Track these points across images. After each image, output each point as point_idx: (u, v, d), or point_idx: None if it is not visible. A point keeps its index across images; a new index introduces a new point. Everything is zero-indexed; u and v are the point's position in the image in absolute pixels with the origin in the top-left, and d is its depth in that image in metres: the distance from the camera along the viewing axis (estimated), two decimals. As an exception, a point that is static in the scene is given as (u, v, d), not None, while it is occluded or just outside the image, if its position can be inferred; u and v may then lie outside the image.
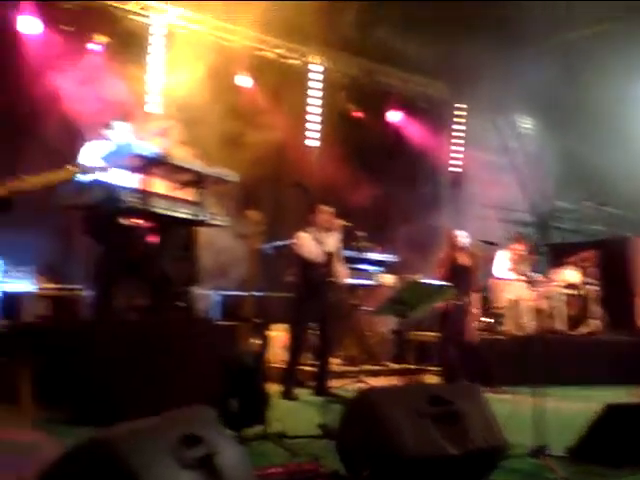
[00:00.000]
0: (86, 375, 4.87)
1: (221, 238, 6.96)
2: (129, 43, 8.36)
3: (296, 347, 6.46)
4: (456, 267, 7.11)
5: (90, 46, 8.25)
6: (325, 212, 6.45)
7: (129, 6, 8.65)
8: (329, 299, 6.38)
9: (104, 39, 8.28)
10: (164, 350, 5.19)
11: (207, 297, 8.47)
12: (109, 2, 8.45)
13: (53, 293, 6.99)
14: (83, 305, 7.16)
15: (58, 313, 6.76)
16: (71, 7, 8.13)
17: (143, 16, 8.81)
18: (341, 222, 6.54)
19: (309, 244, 6.38)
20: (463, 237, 7.30)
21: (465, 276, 7.12)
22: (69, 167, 3.94)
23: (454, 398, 3.38)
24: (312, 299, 6.30)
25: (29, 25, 7.81)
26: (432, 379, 7.37)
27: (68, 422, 4.69)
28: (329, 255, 6.31)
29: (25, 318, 6.44)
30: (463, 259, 7.22)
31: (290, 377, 6.38)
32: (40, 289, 6.94)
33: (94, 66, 8.14)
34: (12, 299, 6.55)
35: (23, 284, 6.87)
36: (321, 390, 6.34)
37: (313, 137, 10.67)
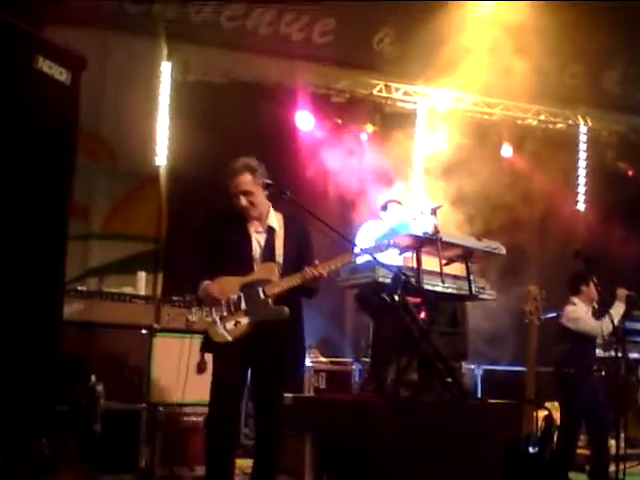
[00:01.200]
0: (361, 451, 4.98)
1: (490, 312, 6.88)
2: (394, 128, 8.77)
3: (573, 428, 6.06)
4: None
5: (359, 135, 8.85)
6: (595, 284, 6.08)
7: (394, 94, 9.13)
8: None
9: (371, 127, 8.85)
10: (441, 429, 5.18)
11: (475, 372, 8.38)
12: (376, 92, 9.02)
13: (327, 367, 7.34)
14: (353, 378, 7.49)
15: (331, 386, 7.06)
16: (340, 101, 8.84)
17: (407, 102, 9.23)
18: (624, 291, 6.09)
19: (585, 317, 6.03)
20: None
21: None
22: (351, 252, 4.15)
23: None
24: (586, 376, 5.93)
25: (305, 120, 8.58)
26: None
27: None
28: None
29: (306, 392, 6.83)
30: None
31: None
32: (315, 362, 7.34)
33: (364, 153, 8.69)
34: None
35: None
36: (599, 474, 5.86)
37: (580, 200, 10.26)
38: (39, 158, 3.46)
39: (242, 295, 3.63)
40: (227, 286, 3.64)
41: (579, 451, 6.40)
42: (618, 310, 5.93)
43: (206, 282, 3.65)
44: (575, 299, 6.12)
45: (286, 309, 3.64)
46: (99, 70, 7.91)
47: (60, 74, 3.44)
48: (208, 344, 3.75)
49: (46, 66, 3.36)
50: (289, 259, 3.75)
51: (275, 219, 3.83)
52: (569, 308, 6.11)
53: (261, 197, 3.78)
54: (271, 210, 3.85)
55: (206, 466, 3.73)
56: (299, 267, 3.70)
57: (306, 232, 3.91)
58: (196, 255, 3.91)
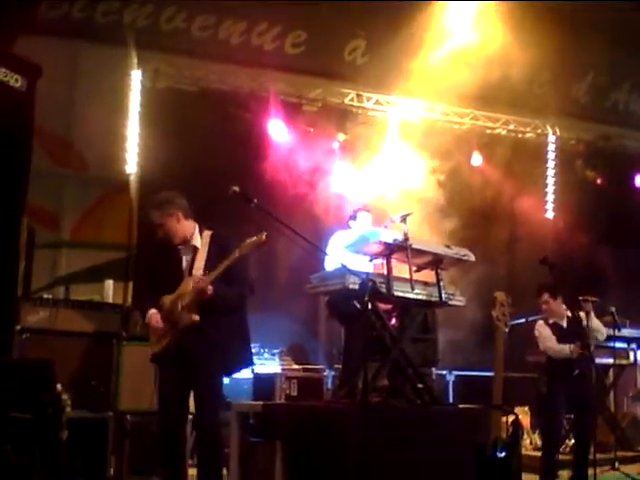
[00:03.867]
0: (332, 458, 4.97)
1: (459, 318, 6.93)
2: (365, 137, 8.83)
3: (551, 435, 6.13)
4: None
5: (330, 143, 8.88)
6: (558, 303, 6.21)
7: (365, 103, 9.20)
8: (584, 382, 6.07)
9: (343, 136, 8.88)
10: (411, 435, 5.20)
11: (447, 378, 8.44)
12: (347, 102, 9.08)
13: (299, 374, 7.33)
14: (325, 385, 7.49)
15: (303, 393, 7.05)
16: (312, 109, 8.90)
17: (379, 111, 9.30)
18: (592, 299, 6.19)
19: (548, 342, 6.16)
20: None
21: None
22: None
23: None
24: (563, 386, 6.02)
25: (277, 128, 8.58)
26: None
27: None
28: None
29: (276, 399, 6.81)
30: None
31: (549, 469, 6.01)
32: (286, 370, 7.32)
33: (335, 161, 8.74)
34: (263, 381, 6.89)
35: (272, 366, 7.32)
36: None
37: (549, 208, 10.38)
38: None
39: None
40: (164, 303, 4.11)
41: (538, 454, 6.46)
42: (593, 322, 6.05)
43: (150, 312, 4.11)
44: (540, 322, 6.26)
45: (195, 316, 4.00)
46: (69, 78, 7.90)
47: (16, 81, 3.46)
48: (152, 360, 4.23)
49: (1, 74, 3.37)
50: (209, 270, 4.05)
51: (198, 238, 4.23)
52: (537, 325, 6.24)
53: (175, 225, 4.18)
54: (196, 231, 4.24)
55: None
56: (225, 279, 4.04)
57: (229, 246, 4.13)
58: (139, 286, 4.39)
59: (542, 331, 6.23)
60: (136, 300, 4.34)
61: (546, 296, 6.20)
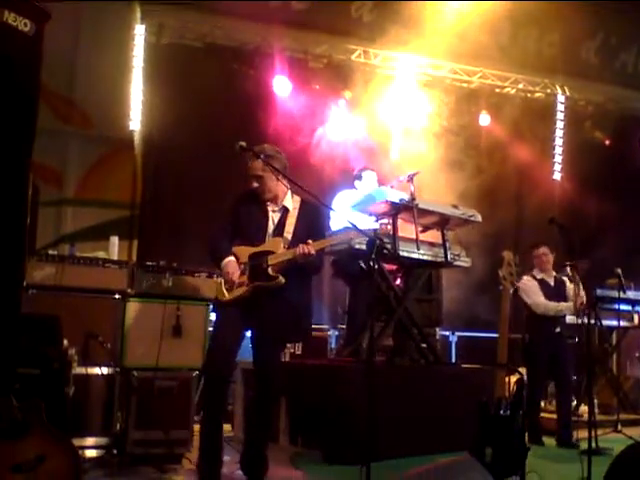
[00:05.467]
0: (336, 415, 5.01)
1: (466, 278, 6.93)
2: (372, 94, 8.71)
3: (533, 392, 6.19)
4: None
5: (337, 101, 8.75)
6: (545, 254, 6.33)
7: (372, 60, 9.04)
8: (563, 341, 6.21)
9: (349, 93, 8.75)
10: (415, 393, 5.24)
11: (449, 338, 8.47)
12: (354, 58, 8.92)
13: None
14: (329, 345, 7.53)
15: (308, 352, 7.08)
16: (318, 66, 8.75)
17: (385, 68, 9.14)
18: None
19: (533, 294, 6.23)
20: None
21: None
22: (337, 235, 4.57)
23: None
24: (545, 342, 6.18)
25: (282, 85, 8.45)
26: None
27: (321, 460, 4.90)
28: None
29: (282, 357, 6.82)
30: None
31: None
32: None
33: (340, 119, 8.63)
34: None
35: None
36: (563, 439, 6.02)
37: (557, 169, 10.30)
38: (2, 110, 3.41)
39: (248, 263, 4.08)
40: (240, 254, 4.13)
41: (551, 416, 6.52)
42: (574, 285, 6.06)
43: (226, 260, 4.10)
44: (526, 276, 6.32)
45: (281, 278, 4.01)
46: (72, 34, 7.76)
47: (25, 25, 3.39)
48: (214, 304, 4.32)
49: (11, 18, 3.31)
50: (298, 237, 4.08)
51: (291, 201, 4.22)
52: (523, 279, 6.25)
53: (272, 182, 4.14)
54: (289, 193, 4.23)
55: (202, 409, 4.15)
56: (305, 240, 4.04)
57: (319, 215, 4.32)
58: (222, 224, 4.29)
59: (530, 285, 6.27)
60: (211, 241, 4.25)
61: (545, 249, 6.32)
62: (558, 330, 6.21)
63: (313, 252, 3.96)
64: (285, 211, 4.20)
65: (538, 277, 6.33)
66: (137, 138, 8.00)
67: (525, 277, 6.33)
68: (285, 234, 4.12)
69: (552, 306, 6.19)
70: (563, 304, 6.16)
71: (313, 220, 4.22)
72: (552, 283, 6.35)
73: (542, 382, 6.47)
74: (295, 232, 4.12)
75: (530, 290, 6.27)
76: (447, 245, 5.83)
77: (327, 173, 7.98)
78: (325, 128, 8.33)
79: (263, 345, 4.15)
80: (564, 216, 7.89)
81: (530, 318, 6.31)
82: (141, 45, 8.11)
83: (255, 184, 4.15)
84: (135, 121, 8.04)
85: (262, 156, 4.07)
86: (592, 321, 5.85)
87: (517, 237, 9.43)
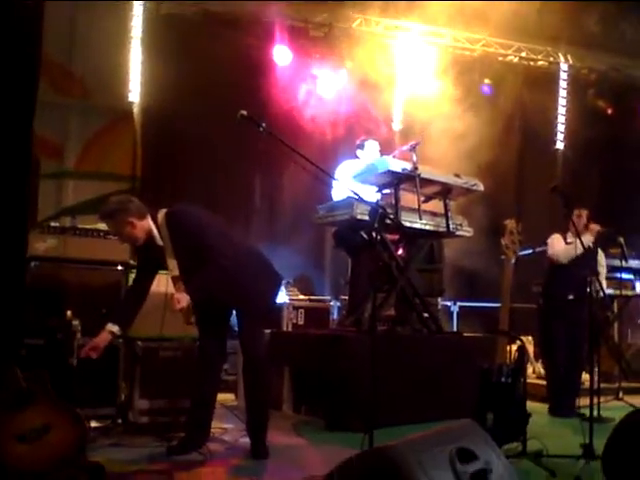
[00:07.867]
0: (338, 383, 5.05)
1: (468, 248, 6.92)
2: (373, 63, 8.63)
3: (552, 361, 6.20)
4: None
5: (337, 69, 8.68)
6: (580, 215, 6.08)
7: (373, 28, 8.95)
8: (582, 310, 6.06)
9: (350, 62, 8.65)
10: (417, 361, 5.27)
11: (451, 308, 8.50)
12: (355, 27, 8.83)
13: (305, 304, 7.40)
14: (331, 315, 7.58)
15: (310, 323, 7.14)
16: (318, 35, 8.67)
17: (387, 37, 9.06)
18: (597, 226, 6.11)
19: (555, 242, 6.09)
20: None
21: None
22: None
23: None
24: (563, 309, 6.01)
25: (282, 54, 8.39)
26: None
27: (324, 428, 4.95)
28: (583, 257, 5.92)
29: (284, 327, 6.90)
30: None
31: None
32: (293, 300, 7.39)
33: (341, 88, 8.56)
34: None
35: (280, 296, 7.37)
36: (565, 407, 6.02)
37: (559, 138, 10.26)
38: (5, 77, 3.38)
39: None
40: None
41: (541, 382, 6.53)
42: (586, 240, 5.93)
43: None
44: (557, 234, 6.15)
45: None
46: (70, 5, 7.68)
47: (26, -7, 3.36)
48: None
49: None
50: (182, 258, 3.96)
51: (158, 234, 4.00)
52: (551, 237, 6.14)
53: (132, 231, 3.95)
54: (153, 229, 4.00)
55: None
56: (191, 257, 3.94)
57: (181, 226, 4.01)
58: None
59: (556, 241, 6.09)
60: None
61: (585, 212, 6.09)
62: (571, 297, 5.96)
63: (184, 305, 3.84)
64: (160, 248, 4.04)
65: (568, 240, 6.07)
66: (136, 109, 7.96)
67: (554, 235, 6.15)
68: (170, 273, 4.01)
69: (570, 247, 5.89)
70: (572, 247, 5.86)
71: (178, 229, 4.02)
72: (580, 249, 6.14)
73: (561, 348, 6.21)
74: (178, 258, 3.99)
75: (554, 244, 6.07)
76: (449, 215, 5.81)
77: (328, 143, 7.94)
78: (326, 97, 8.26)
79: (240, 327, 4.19)
80: (565, 185, 7.88)
81: (549, 281, 6.16)
82: (140, 16, 8.04)
83: (120, 241, 4.09)
84: (134, 92, 7.99)
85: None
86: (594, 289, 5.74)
87: (519, 206, 9.41)
